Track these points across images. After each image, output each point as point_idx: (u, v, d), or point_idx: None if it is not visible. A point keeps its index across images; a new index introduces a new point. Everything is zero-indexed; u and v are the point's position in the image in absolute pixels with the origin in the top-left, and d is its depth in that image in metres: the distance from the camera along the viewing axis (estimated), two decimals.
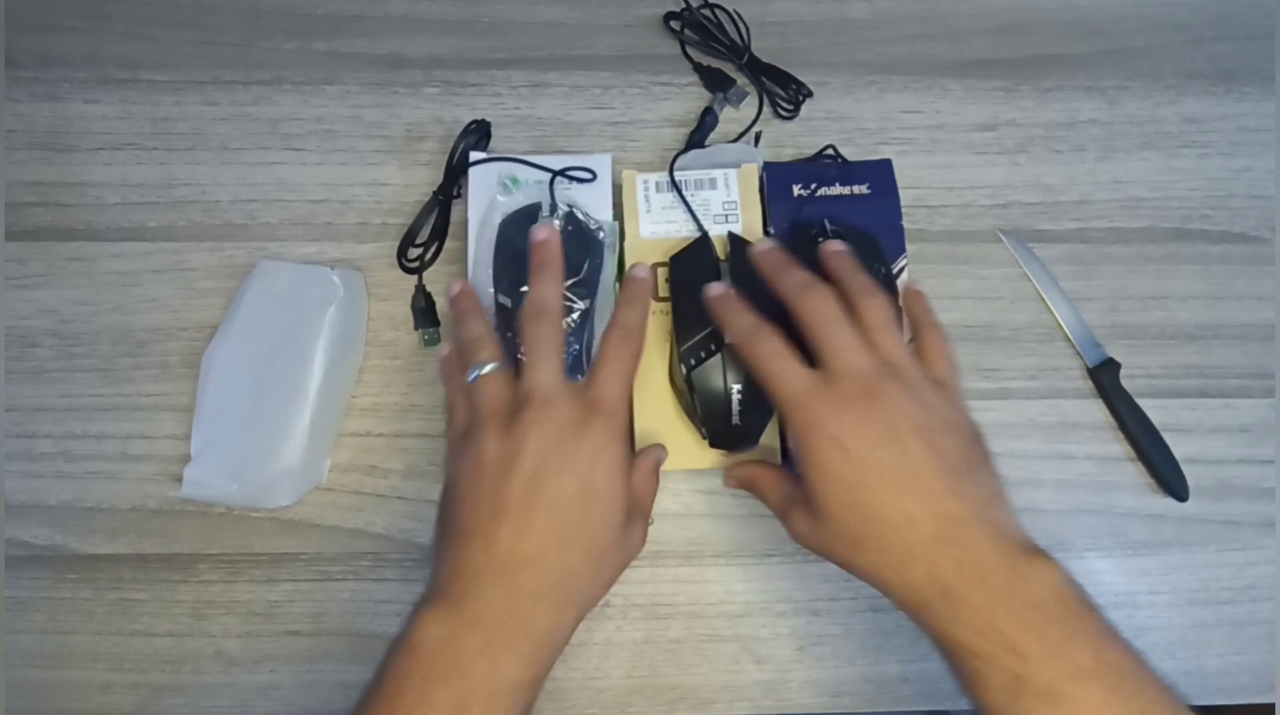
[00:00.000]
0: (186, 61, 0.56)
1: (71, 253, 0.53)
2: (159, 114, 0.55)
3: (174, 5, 0.56)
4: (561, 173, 0.49)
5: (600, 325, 0.48)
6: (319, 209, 0.54)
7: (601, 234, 0.48)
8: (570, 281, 0.46)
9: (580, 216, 0.48)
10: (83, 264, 0.53)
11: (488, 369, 0.41)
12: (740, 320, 0.41)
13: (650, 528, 0.50)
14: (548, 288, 0.43)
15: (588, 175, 0.50)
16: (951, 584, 0.34)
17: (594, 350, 0.47)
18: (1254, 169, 0.56)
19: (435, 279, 0.52)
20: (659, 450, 0.46)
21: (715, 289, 0.43)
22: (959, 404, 0.41)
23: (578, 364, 0.46)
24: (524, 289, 0.46)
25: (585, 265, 0.47)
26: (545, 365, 0.41)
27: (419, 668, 0.35)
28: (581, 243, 0.47)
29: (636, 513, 0.42)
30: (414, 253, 0.52)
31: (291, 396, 0.48)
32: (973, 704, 0.35)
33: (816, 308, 0.39)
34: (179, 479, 0.48)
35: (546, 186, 0.49)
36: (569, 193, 0.50)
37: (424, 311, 0.51)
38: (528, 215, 0.48)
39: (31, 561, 0.49)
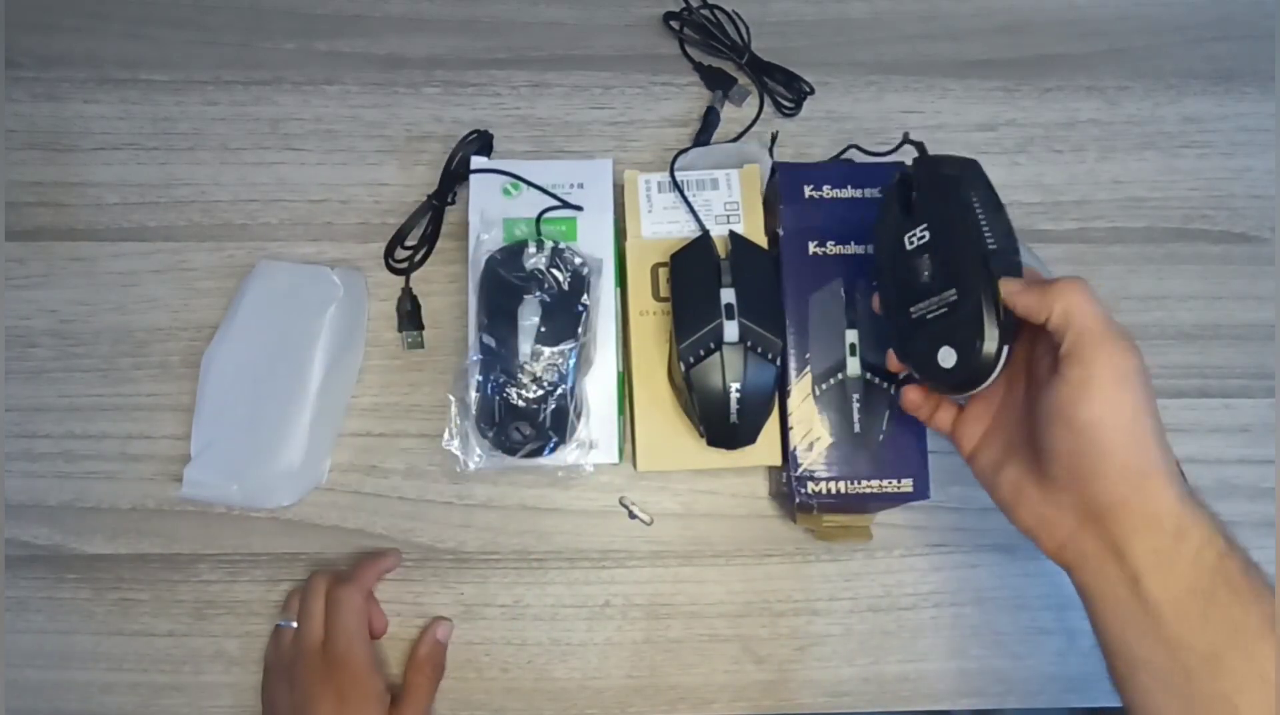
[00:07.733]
0: (186, 61, 0.56)
1: (71, 253, 0.53)
2: (159, 114, 0.55)
3: (174, 5, 0.57)
4: (549, 209, 0.48)
5: (600, 356, 0.48)
6: (319, 209, 0.54)
7: (586, 270, 0.47)
8: (558, 320, 0.46)
9: (567, 253, 0.47)
10: (83, 264, 0.53)
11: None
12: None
13: (650, 527, 0.50)
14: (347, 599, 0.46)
15: (573, 212, 0.49)
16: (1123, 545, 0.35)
17: (579, 391, 0.47)
18: (1254, 169, 0.56)
19: (427, 280, 0.52)
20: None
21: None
22: None
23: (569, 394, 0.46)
24: (528, 322, 0.46)
25: (573, 301, 0.47)
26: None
27: None
28: (569, 279, 0.47)
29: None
30: (402, 254, 0.52)
31: (291, 396, 0.48)
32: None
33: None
34: (179, 479, 0.48)
35: (547, 192, 0.49)
36: (575, 194, 0.49)
37: (410, 314, 0.51)
38: (513, 253, 0.47)
39: (31, 561, 0.49)
